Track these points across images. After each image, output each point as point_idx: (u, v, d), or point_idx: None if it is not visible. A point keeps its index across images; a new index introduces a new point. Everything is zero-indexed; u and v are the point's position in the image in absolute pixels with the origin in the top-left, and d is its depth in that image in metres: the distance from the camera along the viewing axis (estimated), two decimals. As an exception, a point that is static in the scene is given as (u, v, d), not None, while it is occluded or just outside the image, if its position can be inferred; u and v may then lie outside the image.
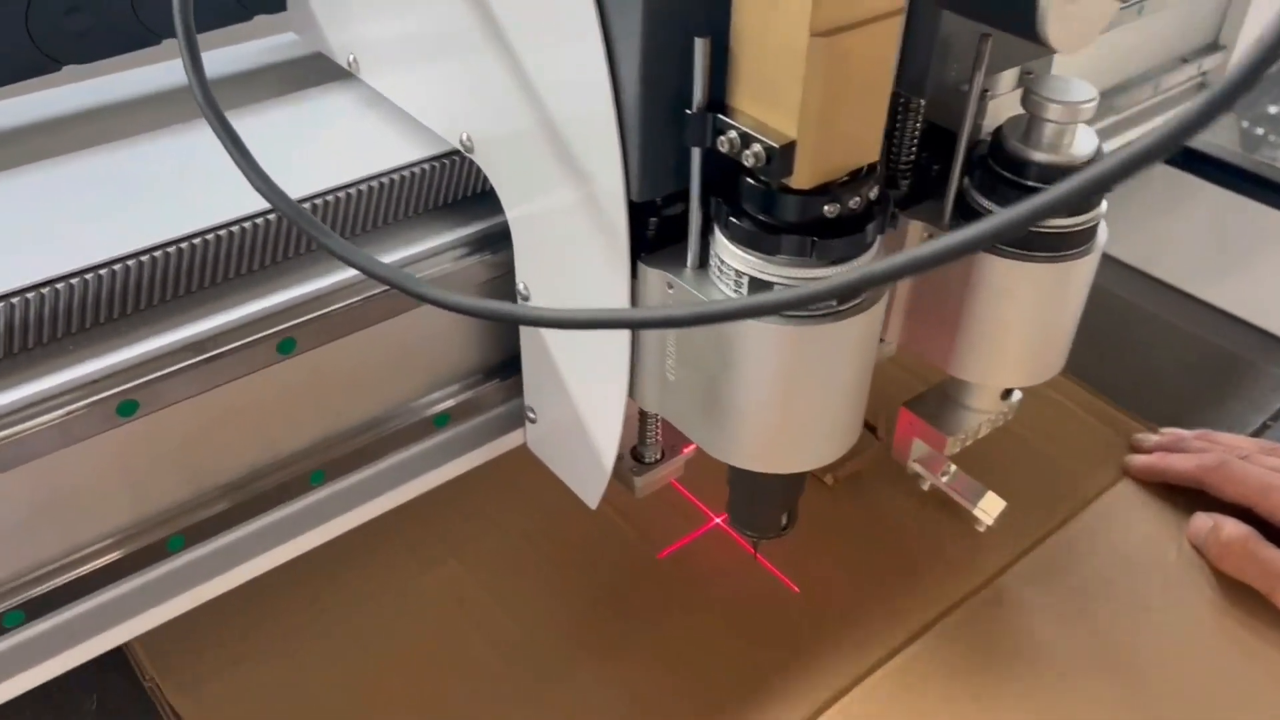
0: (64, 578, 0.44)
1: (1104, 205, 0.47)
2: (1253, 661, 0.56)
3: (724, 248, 0.39)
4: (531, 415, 0.51)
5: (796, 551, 0.60)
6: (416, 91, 0.48)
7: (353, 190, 0.46)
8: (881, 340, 0.55)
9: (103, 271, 0.41)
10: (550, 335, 0.47)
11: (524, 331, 0.49)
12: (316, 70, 0.54)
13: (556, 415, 0.50)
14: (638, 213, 0.41)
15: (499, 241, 0.48)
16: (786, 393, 0.40)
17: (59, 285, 0.40)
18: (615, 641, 0.57)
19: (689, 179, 0.39)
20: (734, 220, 0.38)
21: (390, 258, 0.48)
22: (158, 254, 0.42)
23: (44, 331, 0.40)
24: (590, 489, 0.49)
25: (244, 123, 0.49)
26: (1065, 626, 0.57)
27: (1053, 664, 0.56)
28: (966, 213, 0.47)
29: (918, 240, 0.49)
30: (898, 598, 0.58)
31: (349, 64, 0.51)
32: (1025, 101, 0.44)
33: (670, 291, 0.41)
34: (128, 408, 0.41)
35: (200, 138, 0.48)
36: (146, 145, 0.48)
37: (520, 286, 0.47)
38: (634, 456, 0.52)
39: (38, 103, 0.52)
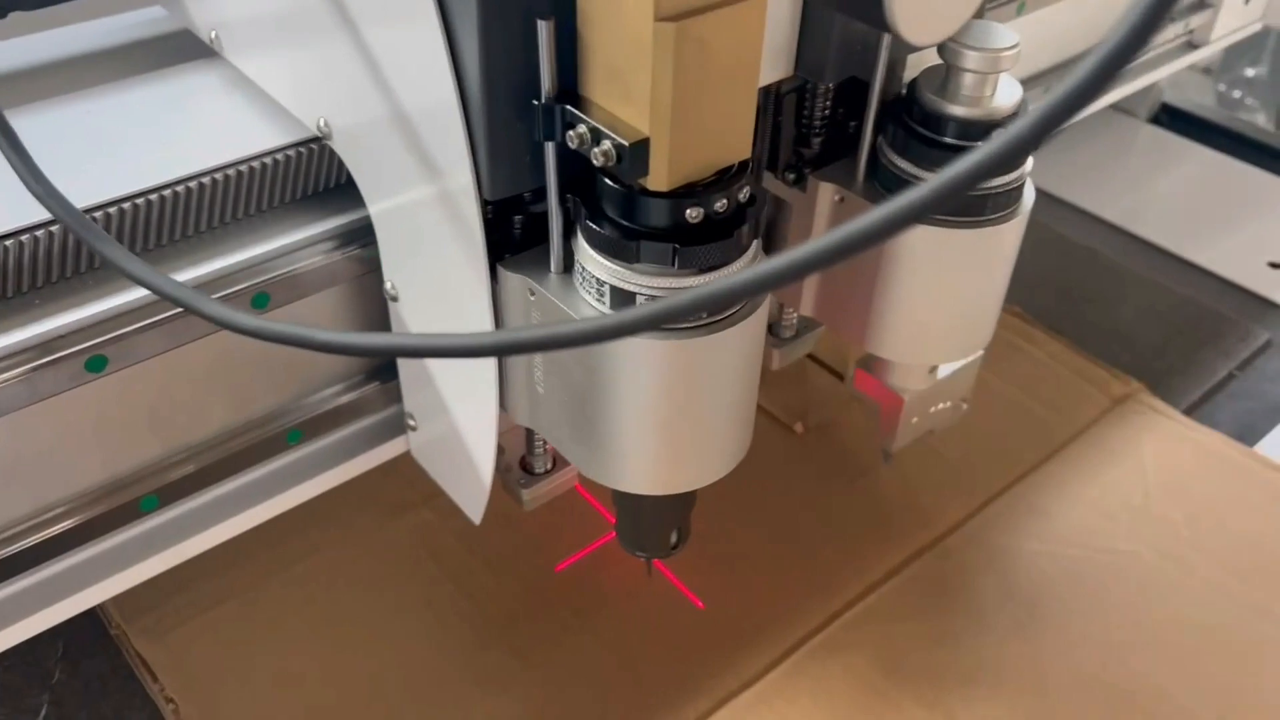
0: (34, 538, 0.42)
1: (1029, 164, 0.43)
2: (1215, 596, 0.57)
3: (585, 253, 0.35)
4: (412, 423, 0.48)
5: (765, 498, 0.61)
6: (274, 72, 0.43)
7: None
8: (793, 336, 0.52)
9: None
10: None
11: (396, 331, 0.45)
12: (186, 47, 0.50)
13: (434, 424, 0.46)
14: (501, 210, 0.38)
15: (370, 235, 0.44)
16: (662, 410, 0.37)
17: (23, 238, 0.37)
18: (593, 590, 0.56)
19: (545, 177, 0.35)
20: (592, 224, 0.34)
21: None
22: (126, 205, 0.39)
23: (8, 286, 0.38)
24: (473, 503, 0.46)
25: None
26: (1034, 568, 0.58)
27: (1021, 604, 0.56)
28: (880, 173, 0.44)
29: (828, 204, 0.45)
30: (866, 543, 0.59)
31: (211, 40, 0.47)
32: (941, 50, 0.40)
33: (532, 299, 0.37)
34: (97, 363, 0.39)
35: (165, 88, 0.47)
36: (110, 96, 0.46)
37: (388, 285, 0.43)
38: (523, 467, 0.48)
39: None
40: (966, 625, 0.55)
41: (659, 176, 0.32)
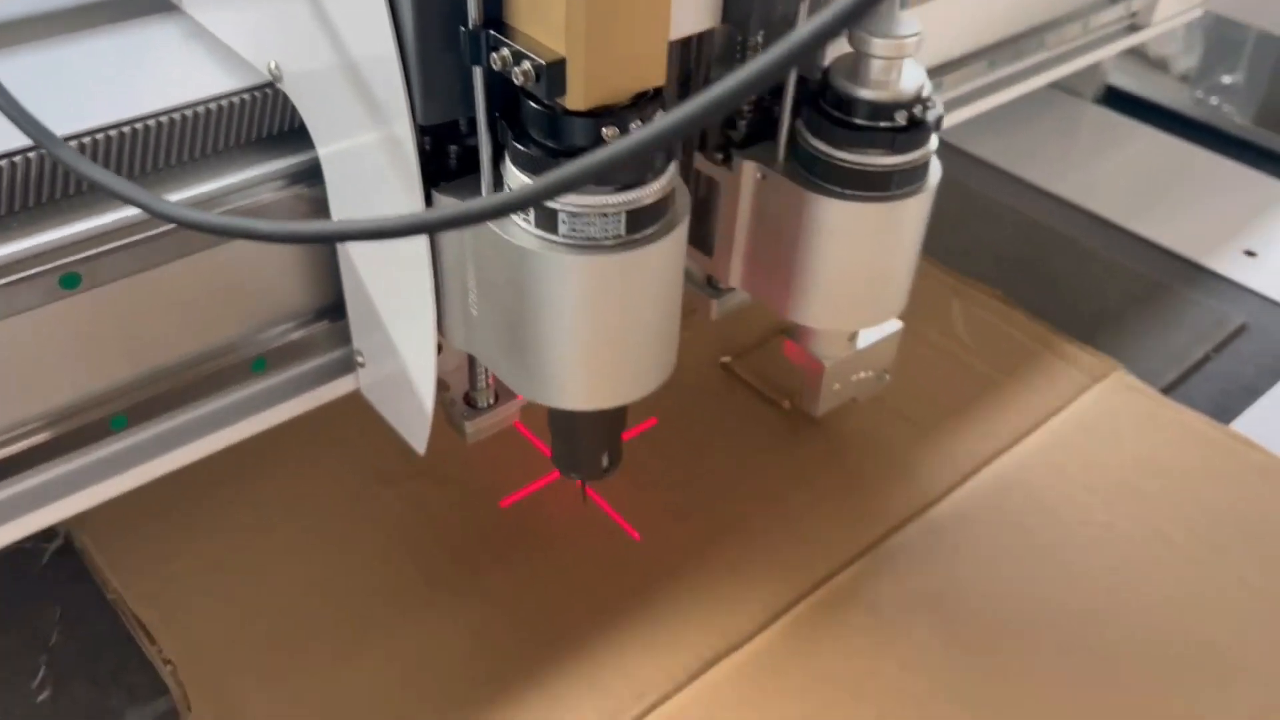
0: (5, 451, 0.45)
1: (934, 143, 0.46)
2: (1190, 566, 0.59)
3: (512, 174, 0.37)
4: (360, 359, 0.50)
5: (755, 468, 0.63)
6: (228, 19, 0.46)
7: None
8: (731, 290, 0.55)
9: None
10: (364, 272, 0.46)
11: (344, 271, 0.47)
12: (149, 4, 0.52)
13: (380, 357, 0.48)
14: (437, 143, 0.40)
15: (317, 175, 0.47)
16: (586, 326, 0.39)
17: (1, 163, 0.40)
18: (583, 561, 0.58)
19: (474, 103, 0.37)
20: (518, 145, 0.36)
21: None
22: (88, 139, 0.42)
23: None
24: (416, 433, 0.48)
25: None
26: (1014, 539, 0.60)
27: (1002, 572, 0.58)
28: (798, 153, 0.46)
29: (752, 181, 0.48)
30: (852, 513, 0.61)
31: (171, -8, 0.49)
32: (850, 38, 0.43)
33: (463, 221, 0.39)
34: (70, 280, 0.42)
35: (127, 38, 0.49)
36: (72, 45, 0.48)
37: (335, 222, 0.45)
38: (466, 402, 0.50)
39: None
40: (948, 591, 0.57)
41: (575, 96, 0.34)
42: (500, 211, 0.27)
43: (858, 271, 0.47)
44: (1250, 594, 0.58)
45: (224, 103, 0.46)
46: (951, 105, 0.74)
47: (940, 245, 0.82)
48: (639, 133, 0.24)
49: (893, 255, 0.47)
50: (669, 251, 0.39)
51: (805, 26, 0.21)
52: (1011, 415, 0.68)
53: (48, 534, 0.59)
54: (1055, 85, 1.04)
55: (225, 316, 0.49)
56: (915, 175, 0.45)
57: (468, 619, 0.55)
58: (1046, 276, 0.82)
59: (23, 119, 0.32)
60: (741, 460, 0.63)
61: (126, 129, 0.43)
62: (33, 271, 0.41)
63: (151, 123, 0.44)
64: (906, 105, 0.44)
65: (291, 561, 0.58)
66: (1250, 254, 0.86)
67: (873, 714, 0.51)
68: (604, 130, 0.35)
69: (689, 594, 0.56)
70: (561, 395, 0.41)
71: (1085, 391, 0.70)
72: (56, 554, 0.58)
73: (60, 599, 0.56)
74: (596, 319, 0.39)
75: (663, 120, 0.24)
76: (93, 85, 0.46)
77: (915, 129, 0.44)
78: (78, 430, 0.46)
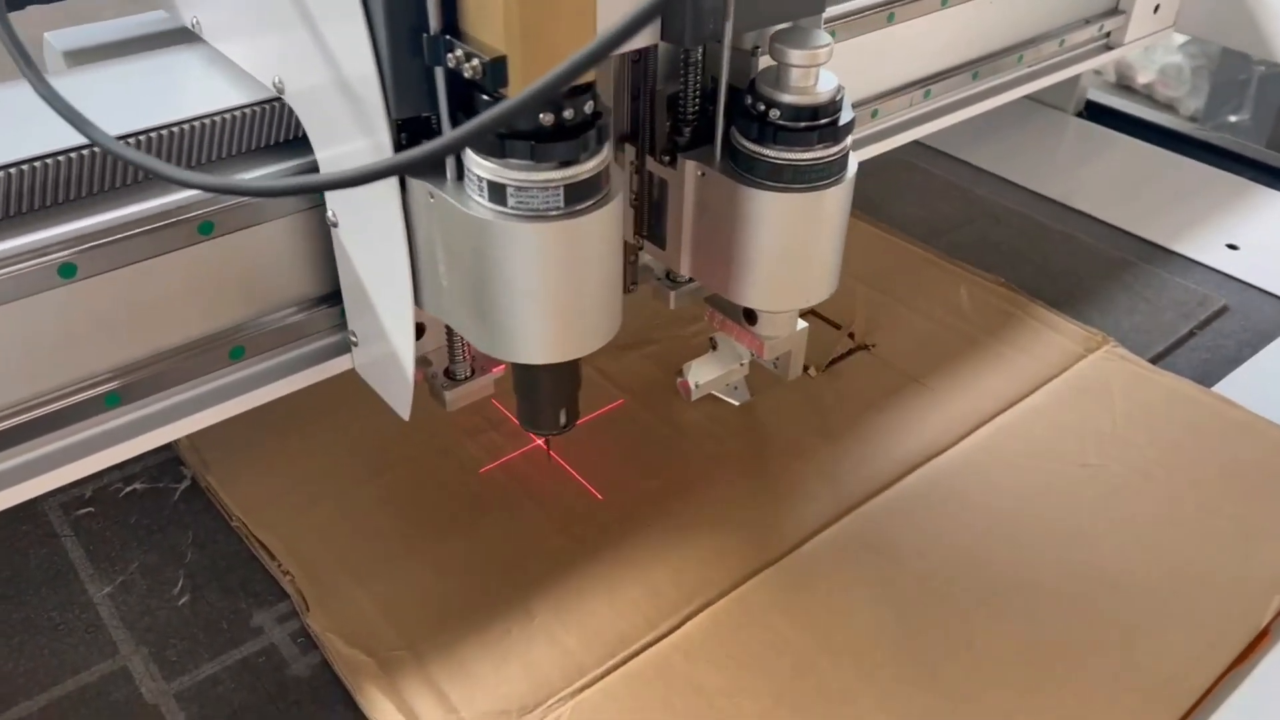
0: (148, 371, 0.54)
1: (849, 140, 0.52)
2: (1171, 498, 0.68)
3: (470, 159, 0.44)
4: (354, 339, 0.57)
5: (788, 423, 0.74)
6: (241, 44, 0.54)
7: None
8: (687, 282, 0.61)
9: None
10: (354, 254, 0.53)
11: (339, 258, 0.54)
12: (178, 38, 0.60)
13: (370, 337, 0.55)
14: (413, 139, 0.47)
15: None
16: (533, 286, 0.45)
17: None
18: (594, 512, 0.68)
19: (437, 100, 0.44)
20: (472, 132, 0.43)
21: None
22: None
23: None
24: (400, 399, 0.54)
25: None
26: (1016, 478, 0.69)
27: (1005, 504, 0.67)
28: (732, 152, 0.53)
29: (694, 179, 0.55)
30: (873, 458, 0.70)
31: (193, 25, 0.57)
32: (771, 51, 0.50)
33: (431, 200, 0.46)
34: (206, 226, 0.52)
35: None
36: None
37: (330, 215, 0.53)
38: (447, 375, 0.57)
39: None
40: (955, 523, 0.65)
41: (516, 87, 0.41)
42: (420, 161, 0.34)
43: (786, 255, 0.54)
44: (1225, 520, 0.65)
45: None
46: (940, 112, 0.82)
47: (949, 241, 0.93)
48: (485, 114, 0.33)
49: (817, 240, 0.53)
50: (605, 222, 0.45)
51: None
52: (1013, 380, 0.76)
53: (177, 476, 0.71)
54: (1042, 101, 1.13)
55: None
56: (833, 169, 0.52)
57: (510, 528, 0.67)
58: (1043, 265, 0.91)
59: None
60: (778, 415, 0.74)
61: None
62: (173, 220, 0.51)
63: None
64: (822, 108, 0.50)
65: (367, 493, 0.69)
66: (1232, 247, 0.94)
67: (892, 614, 0.60)
68: (541, 116, 0.42)
69: (721, 522, 0.66)
70: (520, 350, 0.48)
71: (1080, 360, 0.78)
72: (185, 492, 0.70)
73: (191, 526, 0.67)
74: (543, 280, 0.45)
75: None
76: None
77: (831, 128, 0.51)
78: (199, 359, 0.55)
